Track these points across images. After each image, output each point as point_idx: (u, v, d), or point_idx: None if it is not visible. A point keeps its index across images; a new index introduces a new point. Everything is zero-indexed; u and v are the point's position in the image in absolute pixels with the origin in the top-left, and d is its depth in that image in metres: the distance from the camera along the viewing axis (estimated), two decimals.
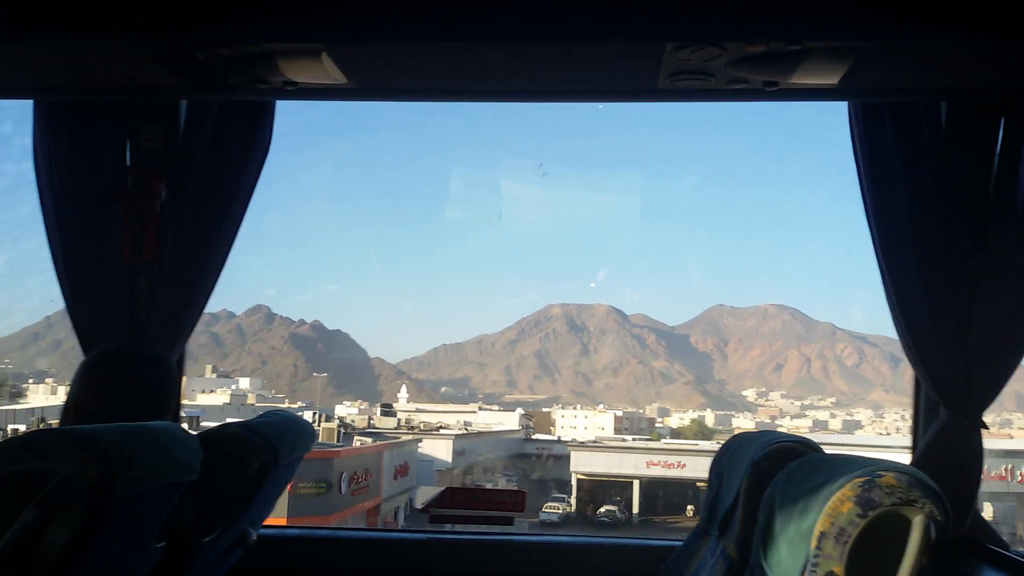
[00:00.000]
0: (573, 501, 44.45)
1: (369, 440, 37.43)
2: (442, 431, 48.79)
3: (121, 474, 1.47)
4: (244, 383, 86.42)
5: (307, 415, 42.85)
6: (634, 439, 63.45)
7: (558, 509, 41.89)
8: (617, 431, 79.30)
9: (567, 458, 48.76)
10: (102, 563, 1.59)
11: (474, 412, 75.54)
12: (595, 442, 55.81)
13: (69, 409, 2.20)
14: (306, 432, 2.55)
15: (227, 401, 64.07)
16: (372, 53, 2.46)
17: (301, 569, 2.97)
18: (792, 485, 1.60)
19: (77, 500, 1.42)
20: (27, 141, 2.94)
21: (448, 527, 3.17)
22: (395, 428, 47.59)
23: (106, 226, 2.91)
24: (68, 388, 2.27)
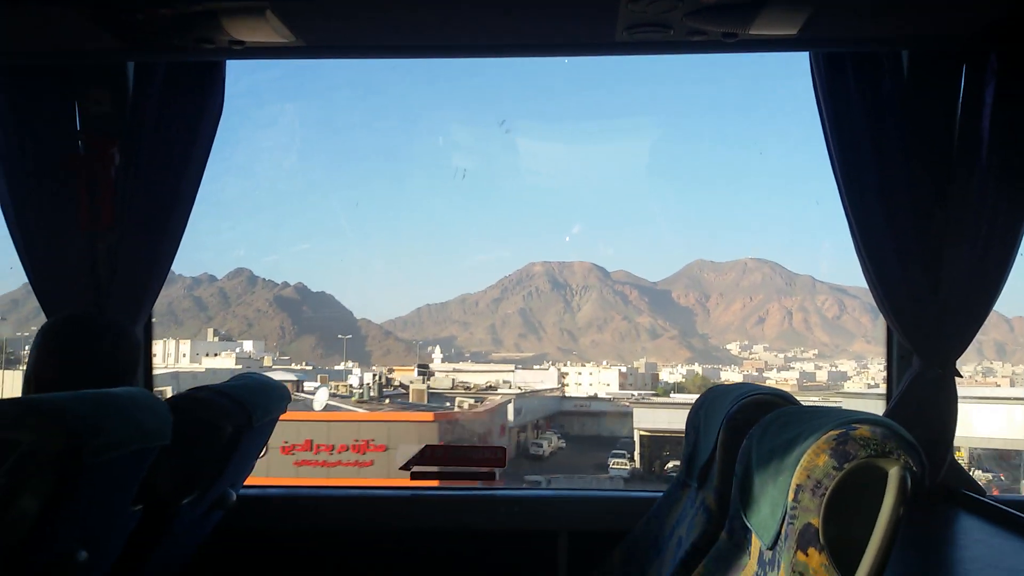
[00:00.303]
0: (636, 457, 45.17)
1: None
2: (500, 391, 49.06)
3: (88, 442, 1.47)
4: (248, 346, 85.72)
5: (367, 377, 42.50)
6: (640, 394, 64.77)
7: (625, 465, 42.79)
8: (622, 387, 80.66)
9: (603, 415, 51.52)
10: (78, 529, 1.60)
11: (511, 371, 75.34)
12: (633, 399, 57.62)
13: (29, 379, 2.18)
14: (279, 394, 2.55)
15: (235, 364, 63.90)
16: (318, 9, 2.40)
17: (284, 528, 2.98)
18: (768, 438, 1.61)
19: (44, 469, 1.42)
20: None
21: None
22: (450, 388, 47.51)
23: (61, 193, 2.85)
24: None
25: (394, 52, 2.77)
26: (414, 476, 3.11)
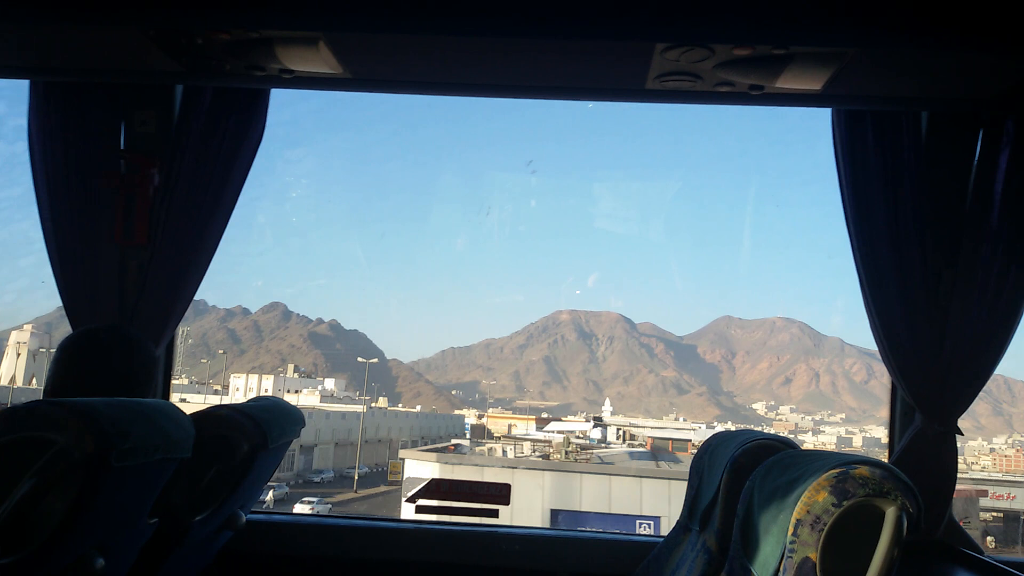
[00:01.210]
0: None
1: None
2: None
3: (116, 446, 1.50)
4: (329, 384, 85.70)
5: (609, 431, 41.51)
6: None
7: None
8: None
9: None
10: (97, 533, 1.62)
11: (684, 427, 74.43)
12: None
13: (47, 391, 2.21)
14: (294, 417, 2.57)
15: (318, 402, 63.75)
16: (368, 43, 2.47)
17: (288, 554, 2.98)
18: (770, 479, 1.64)
19: (74, 469, 1.45)
20: (22, 122, 2.98)
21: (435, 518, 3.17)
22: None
23: (98, 209, 2.92)
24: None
25: (433, 88, 2.83)
26: (419, 510, 3.11)
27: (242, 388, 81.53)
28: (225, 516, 2.36)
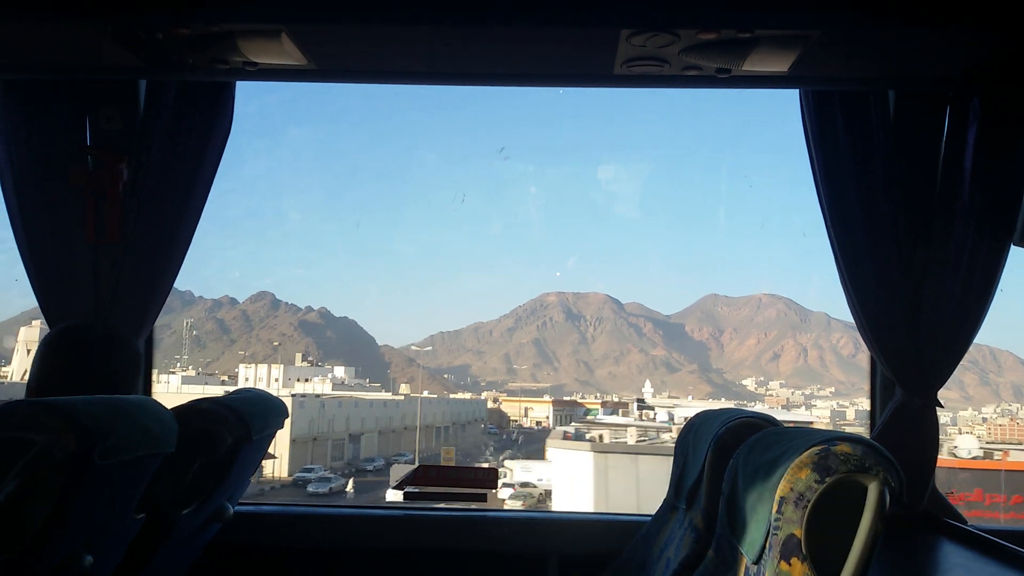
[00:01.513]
0: None
1: None
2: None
3: (99, 443, 1.50)
4: (339, 371, 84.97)
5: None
6: None
7: None
8: None
9: None
10: (84, 531, 1.62)
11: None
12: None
13: (31, 389, 2.20)
14: (278, 409, 2.57)
15: (330, 390, 63.26)
16: (332, 34, 2.46)
17: (278, 545, 2.99)
18: (753, 456, 1.65)
19: (56, 469, 1.45)
20: None
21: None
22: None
23: (68, 207, 2.90)
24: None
25: (400, 78, 2.82)
26: (407, 496, 3.11)
27: (251, 378, 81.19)
28: (212, 509, 2.36)
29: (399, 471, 3.18)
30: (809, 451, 1.43)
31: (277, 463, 42.71)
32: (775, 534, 1.43)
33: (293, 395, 53.31)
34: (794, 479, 1.42)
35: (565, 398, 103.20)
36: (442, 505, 3.16)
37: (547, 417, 76.28)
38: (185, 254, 2.96)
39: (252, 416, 2.29)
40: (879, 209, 2.77)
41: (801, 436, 1.55)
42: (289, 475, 41.49)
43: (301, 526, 3.03)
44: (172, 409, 1.99)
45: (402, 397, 67.51)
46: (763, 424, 2.02)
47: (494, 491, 3.22)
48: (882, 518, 1.35)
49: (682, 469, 2.29)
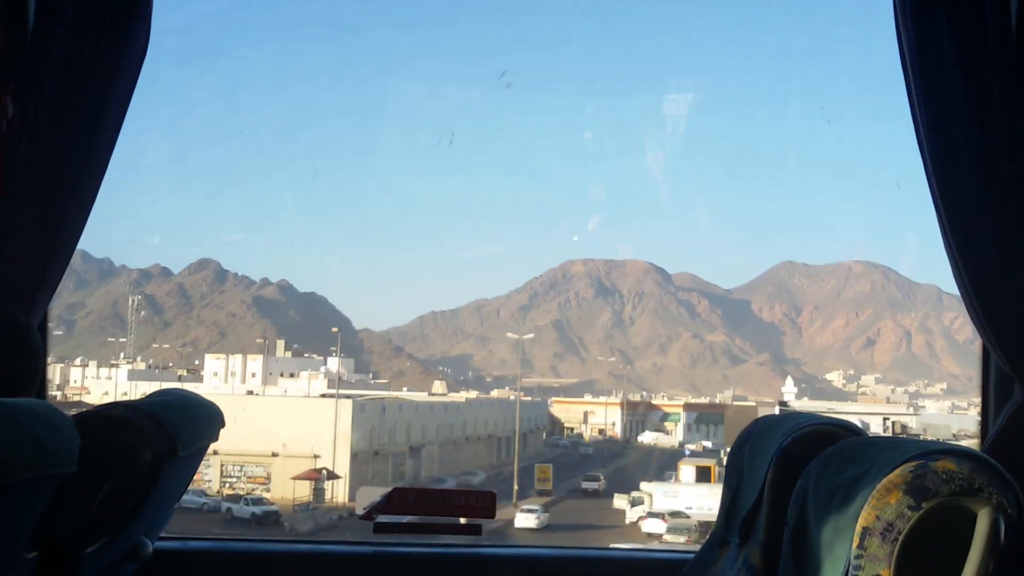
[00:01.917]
0: None
1: None
2: None
3: None
4: (333, 364, 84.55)
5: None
6: None
7: None
8: None
9: None
10: None
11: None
12: None
13: None
14: (212, 416, 2.59)
15: (326, 388, 63.40)
16: None
17: None
18: (828, 475, 1.64)
19: None
20: None
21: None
22: None
23: None
24: None
25: None
26: (378, 528, 3.06)
27: (221, 372, 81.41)
28: (127, 545, 2.38)
29: (367, 495, 3.16)
30: (901, 468, 1.41)
31: (340, 484, 43.54)
32: (855, 574, 1.43)
33: (349, 396, 53.42)
34: (881, 505, 1.40)
35: (636, 397, 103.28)
36: (423, 541, 3.16)
37: (613, 424, 77.31)
38: (90, 209, 2.98)
39: (178, 426, 2.29)
40: (996, 144, 2.72)
41: (891, 448, 1.53)
42: (351, 499, 41.55)
43: (239, 566, 3.03)
44: (74, 417, 1.99)
45: (457, 398, 67.50)
46: (840, 433, 2.01)
47: (491, 520, 3.21)
48: (995, 553, 1.33)
49: (735, 492, 2.28)
